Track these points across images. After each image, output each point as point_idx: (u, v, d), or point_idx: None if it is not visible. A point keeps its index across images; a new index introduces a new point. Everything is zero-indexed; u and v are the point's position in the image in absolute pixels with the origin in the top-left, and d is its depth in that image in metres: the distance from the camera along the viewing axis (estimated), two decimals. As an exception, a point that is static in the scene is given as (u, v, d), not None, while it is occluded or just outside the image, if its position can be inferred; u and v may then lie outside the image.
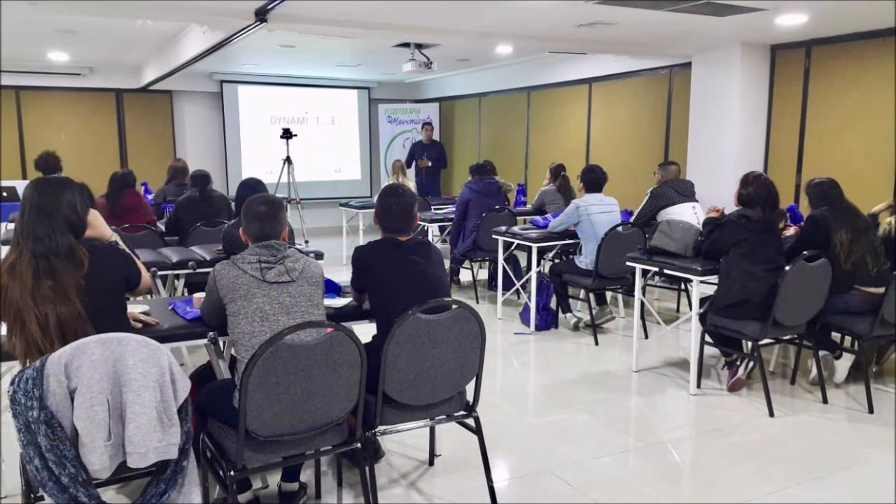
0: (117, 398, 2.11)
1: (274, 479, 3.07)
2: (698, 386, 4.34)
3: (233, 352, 2.84)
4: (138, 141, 10.31)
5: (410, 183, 8.73)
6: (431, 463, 3.38)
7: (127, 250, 2.67)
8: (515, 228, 5.94)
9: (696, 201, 5.69)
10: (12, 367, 2.38)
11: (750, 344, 4.22)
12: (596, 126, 8.62)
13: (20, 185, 7.04)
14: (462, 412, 2.93)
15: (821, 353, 4.31)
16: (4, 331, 2.34)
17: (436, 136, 10.93)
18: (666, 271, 4.48)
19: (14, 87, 9.45)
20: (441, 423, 2.98)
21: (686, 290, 5.88)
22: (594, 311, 5.64)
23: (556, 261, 6.25)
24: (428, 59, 7.34)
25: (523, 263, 6.73)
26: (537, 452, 3.50)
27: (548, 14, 5.27)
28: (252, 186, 4.13)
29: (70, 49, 7.98)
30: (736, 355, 4.34)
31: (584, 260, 5.41)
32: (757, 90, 6.66)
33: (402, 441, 3.61)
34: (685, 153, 7.16)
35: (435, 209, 7.95)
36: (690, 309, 4.37)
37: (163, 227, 5.47)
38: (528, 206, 7.57)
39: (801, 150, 6.48)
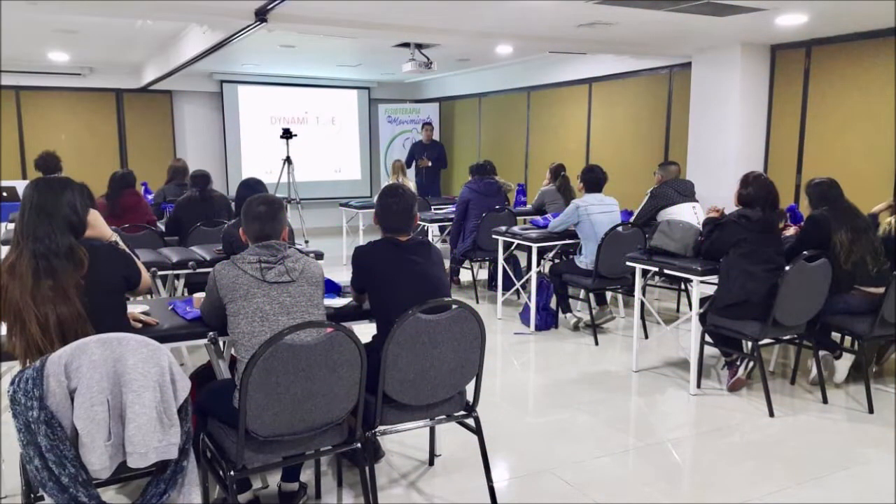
0: (117, 398, 2.11)
1: (274, 479, 3.07)
2: (698, 386, 4.34)
3: (233, 352, 2.84)
4: (138, 141, 10.31)
5: (410, 183, 8.73)
6: (431, 463, 3.38)
7: (127, 250, 2.67)
8: (515, 228, 5.94)
9: (696, 201, 5.69)
10: (12, 367, 2.38)
11: (750, 344, 4.22)
12: (596, 126, 8.62)
13: (20, 185, 7.04)
14: (462, 412, 2.93)
15: (821, 353, 4.31)
16: (4, 331, 2.34)
17: (436, 136, 10.93)
18: (666, 271, 4.48)
19: (14, 87, 9.45)
20: (441, 423, 2.98)
21: (686, 290, 5.88)
22: (594, 311, 5.64)
23: (556, 261, 6.25)
24: (428, 59, 7.34)
25: (523, 263, 6.73)
26: (537, 452, 3.50)
27: (548, 14, 5.27)
28: (252, 186, 4.13)
29: (70, 49, 7.98)
30: (736, 355, 4.34)
31: (584, 260, 5.41)
32: (757, 90, 6.65)
33: (402, 441, 3.61)
34: (685, 153, 7.15)
35: (435, 209, 7.95)
36: (690, 309, 4.37)
37: (163, 227, 5.47)
38: (528, 206, 7.57)
39: (801, 150, 6.48)
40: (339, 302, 3.17)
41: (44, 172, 5.90)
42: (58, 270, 2.30)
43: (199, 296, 2.87)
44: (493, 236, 6.03)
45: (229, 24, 5.32)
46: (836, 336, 4.51)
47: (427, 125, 10.33)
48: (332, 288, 3.29)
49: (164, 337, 2.60)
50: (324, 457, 3.20)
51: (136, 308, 2.87)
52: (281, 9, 4.91)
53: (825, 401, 4.15)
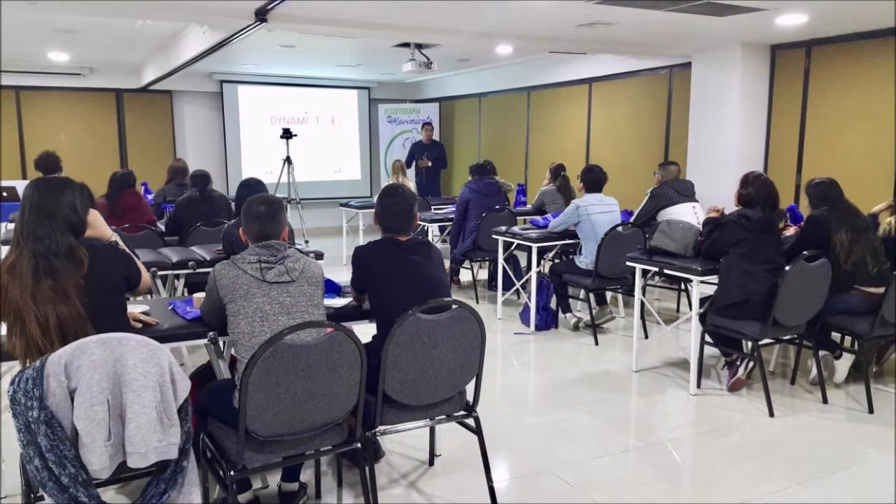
0: (117, 398, 2.11)
1: (274, 479, 3.07)
2: (698, 386, 4.34)
3: (233, 352, 2.84)
4: (138, 141, 10.31)
5: (410, 183, 8.73)
6: (431, 463, 3.38)
7: (127, 250, 2.67)
8: (515, 228, 5.94)
9: (696, 201, 5.69)
10: (12, 367, 2.38)
11: (750, 344, 4.22)
12: (596, 126, 8.62)
13: (20, 185, 7.04)
14: (462, 412, 2.93)
15: (821, 353, 4.31)
16: (4, 331, 2.34)
17: (436, 136, 10.93)
18: (666, 271, 4.48)
19: (14, 87, 9.45)
20: (441, 423, 2.98)
21: (686, 290, 5.88)
22: (594, 311, 5.64)
23: (556, 261, 6.25)
24: (428, 59, 7.34)
25: (523, 263, 6.73)
26: (537, 452, 3.50)
27: (548, 14, 5.27)
28: (252, 186, 4.13)
29: (70, 49, 7.98)
30: (736, 355, 4.34)
31: (584, 260, 5.41)
32: (757, 90, 6.65)
33: (402, 441, 3.61)
34: (685, 153, 7.15)
35: (435, 209, 7.95)
36: (690, 309, 4.37)
37: (163, 227, 5.47)
38: (528, 206, 7.57)
39: (801, 150, 6.48)
40: (339, 302, 3.17)
41: (44, 172, 5.90)
42: (58, 270, 2.30)
43: (199, 296, 2.87)
44: (493, 236, 6.03)
45: (229, 24, 5.33)
46: (836, 336, 4.51)
47: (427, 125, 10.33)
48: (332, 288, 3.29)
49: (164, 337, 2.60)
50: (324, 457, 3.20)
51: (136, 308, 2.87)
52: (281, 9, 4.91)
53: (825, 401, 4.15)
